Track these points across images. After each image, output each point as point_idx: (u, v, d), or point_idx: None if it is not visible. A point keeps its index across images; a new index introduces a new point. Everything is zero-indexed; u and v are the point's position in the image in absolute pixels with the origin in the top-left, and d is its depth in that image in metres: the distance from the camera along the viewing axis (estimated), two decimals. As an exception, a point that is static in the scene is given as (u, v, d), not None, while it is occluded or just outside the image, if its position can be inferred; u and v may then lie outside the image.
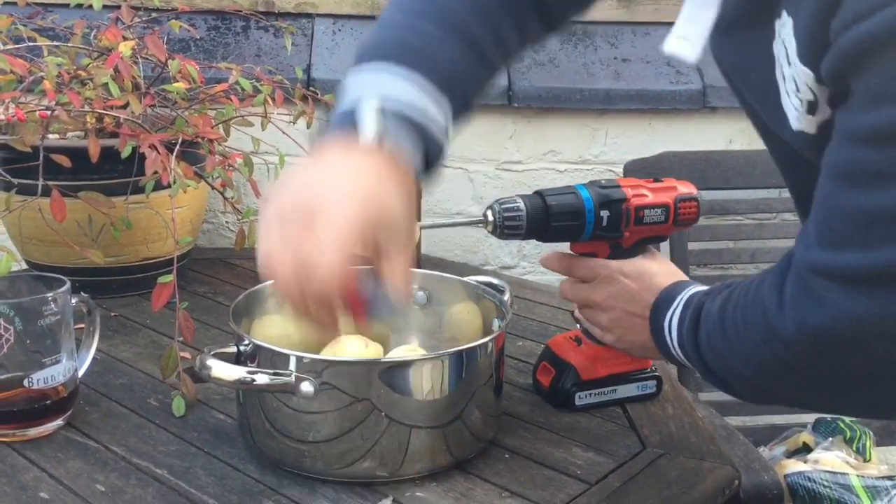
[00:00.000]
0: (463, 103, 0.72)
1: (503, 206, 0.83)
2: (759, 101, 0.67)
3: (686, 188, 0.89)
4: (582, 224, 0.85)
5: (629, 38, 1.66)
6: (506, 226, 0.83)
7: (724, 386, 0.74)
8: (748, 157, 1.56)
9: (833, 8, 0.52)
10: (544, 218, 0.84)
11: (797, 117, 0.60)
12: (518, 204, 0.84)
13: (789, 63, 0.58)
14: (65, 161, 0.97)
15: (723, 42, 0.67)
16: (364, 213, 0.60)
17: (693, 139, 1.63)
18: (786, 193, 1.67)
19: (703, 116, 1.63)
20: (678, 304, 0.79)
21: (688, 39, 0.66)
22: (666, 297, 0.81)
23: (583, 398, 0.91)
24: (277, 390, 0.73)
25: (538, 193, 0.85)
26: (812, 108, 0.58)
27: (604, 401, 0.92)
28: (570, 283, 0.90)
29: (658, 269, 0.86)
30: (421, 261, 1.33)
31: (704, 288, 0.80)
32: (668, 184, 0.89)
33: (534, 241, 1.64)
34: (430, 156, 0.68)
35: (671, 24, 1.64)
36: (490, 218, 0.84)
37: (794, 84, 0.59)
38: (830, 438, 1.30)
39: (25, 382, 0.81)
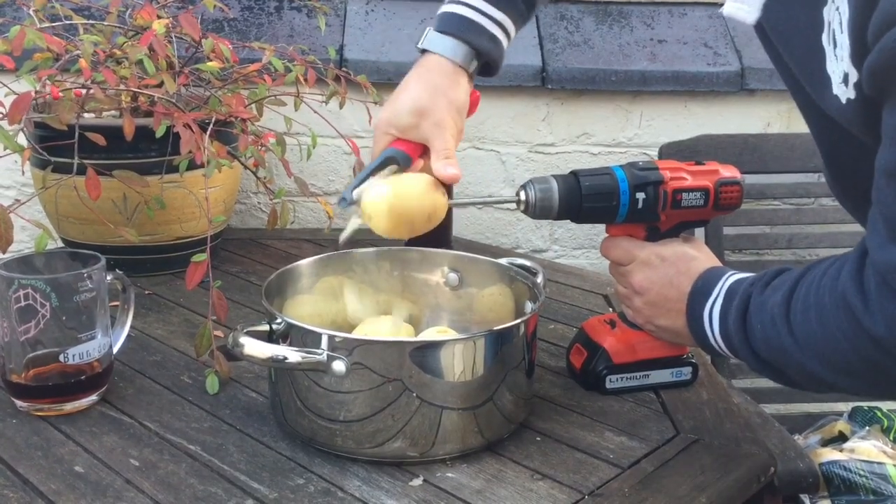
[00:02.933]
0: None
1: (536, 186, 0.83)
2: (799, 65, 0.66)
3: (729, 172, 0.87)
4: (616, 206, 0.84)
5: (666, 19, 1.63)
6: (538, 205, 0.83)
7: (779, 376, 0.73)
8: (786, 140, 1.53)
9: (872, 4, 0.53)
10: (577, 198, 0.83)
11: (838, 83, 0.60)
12: (551, 184, 0.83)
13: (841, 30, 0.58)
14: (100, 140, 0.97)
15: (770, 3, 0.67)
16: (383, 116, 0.84)
17: (730, 122, 1.60)
18: (824, 178, 1.64)
19: (740, 99, 1.60)
20: (719, 294, 0.77)
21: (745, 2, 0.67)
22: (704, 286, 0.80)
23: (614, 382, 0.90)
24: (309, 369, 0.73)
25: (573, 173, 0.84)
26: (846, 79, 0.59)
27: (636, 385, 0.91)
28: (609, 264, 0.89)
29: (695, 253, 0.85)
30: (452, 242, 1.32)
31: (743, 275, 0.78)
32: (709, 167, 0.87)
33: (567, 225, 1.64)
34: (484, 53, 0.85)
35: (708, 4, 1.62)
36: (522, 197, 0.83)
37: (837, 49, 0.59)
38: (867, 427, 1.28)
39: (61, 358, 0.81)
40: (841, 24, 0.58)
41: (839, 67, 0.60)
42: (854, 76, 0.58)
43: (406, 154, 0.84)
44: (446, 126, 0.83)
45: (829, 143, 0.73)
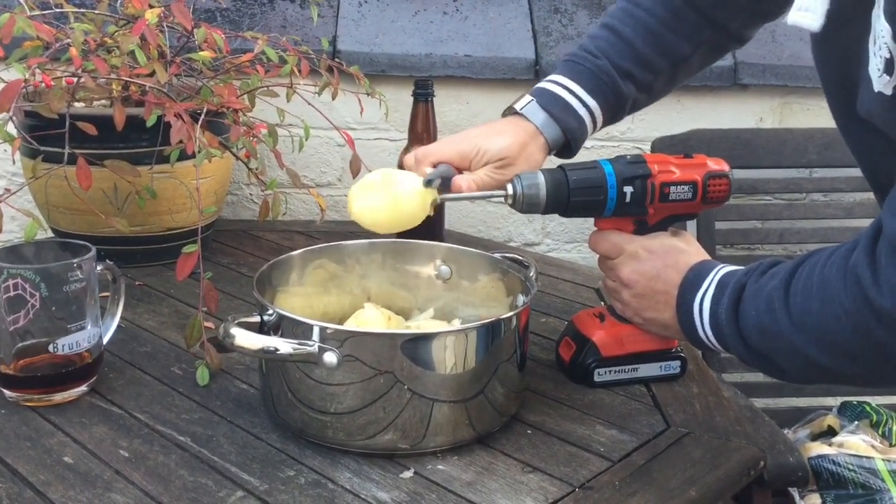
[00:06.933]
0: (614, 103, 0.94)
1: (523, 180, 0.83)
2: (850, 73, 0.66)
3: (717, 165, 0.87)
4: (603, 199, 0.84)
5: (659, 13, 1.62)
6: (525, 199, 0.83)
7: (769, 366, 0.72)
8: (778, 135, 1.54)
9: None
10: (565, 192, 0.83)
11: (878, 77, 0.60)
12: (538, 177, 0.83)
13: (878, 18, 0.58)
14: (91, 129, 0.97)
15: (832, 10, 0.67)
16: (455, 146, 0.89)
17: (723, 117, 1.61)
18: (816, 173, 1.66)
19: (733, 94, 1.60)
20: (709, 286, 0.78)
21: (809, 10, 0.67)
22: (694, 278, 0.80)
23: (602, 375, 0.90)
24: (300, 360, 0.73)
25: (560, 167, 0.85)
26: (889, 67, 0.58)
27: (624, 379, 0.91)
28: (598, 258, 0.89)
29: (684, 246, 0.85)
30: (444, 235, 1.32)
31: (735, 268, 0.78)
32: (697, 160, 0.87)
33: (558, 219, 1.64)
34: (569, 130, 0.91)
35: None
36: (510, 191, 0.84)
37: (878, 42, 0.58)
38: (856, 422, 1.29)
39: (51, 348, 0.81)
40: (879, 15, 0.58)
41: (878, 60, 0.59)
42: None
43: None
44: (504, 173, 0.87)
45: (865, 150, 0.73)
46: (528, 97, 0.92)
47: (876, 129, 0.64)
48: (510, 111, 0.92)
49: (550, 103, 0.90)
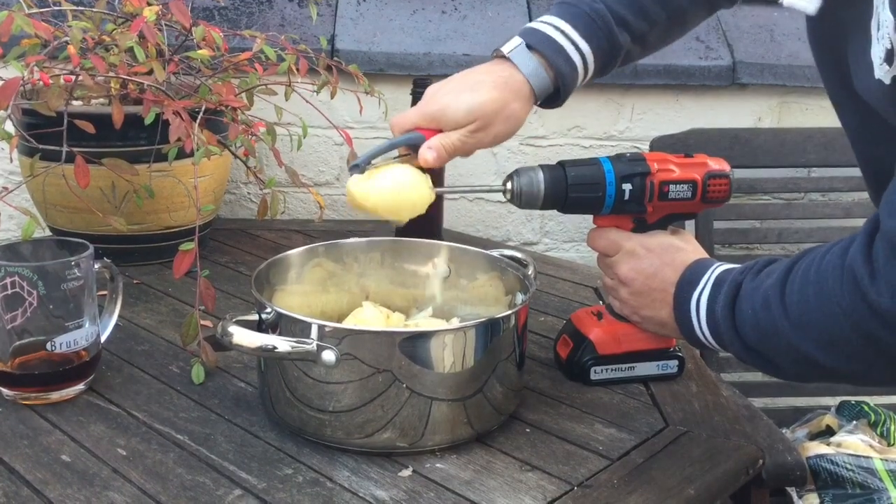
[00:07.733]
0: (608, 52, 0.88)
1: (522, 175, 0.83)
2: (849, 56, 0.66)
3: (717, 164, 0.87)
4: (602, 196, 0.84)
5: (658, 13, 1.62)
6: (524, 195, 0.83)
7: (767, 365, 0.72)
8: (777, 135, 1.54)
9: None
10: (563, 188, 0.83)
11: (879, 65, 0.59)
12: (537, 173, 0.83)
13: (884, 7, 0.57)
14: (88, 127, 0.96)
15: None
16: (422, 107, 0.84)
17: (721, 116, 1.61)
18: (815, 173, 1.66)
19: (731, 93, 1.60)
20: (706, 284, 0.77)
21: None
22: (691, 276, 0.80)
23: (598, 373, 0.90)
24: (298, 359, 0.73)
25: (560, 164, 0.85)
26: (890, 57, 0.58)
27: (621, 377, 0.91)
28: (597, 255, 0.89)
29: (682, 244, 0.85)
30: (442, 233, 1.32)
31: (732, 266, 0.78)
32: (698, 159, 0.87)
33: (557, 218, 1.64)
34: (560, 75, 0.85)
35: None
36: (509, 186, 0.84)
37: (881, 30, 0.58)
38: (854, 422, 1.29)
39: (48, 346, 0.81)
40: (885, 2, 0.57)
41: (880, 47, 0.59)
42: None
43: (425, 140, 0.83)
44: (479, 136, 0.82)
45: (864, 138, 0.73)
46: (517, 39, 0.85)
47: (872, 112, 0.64)
48: (497, 54, 0.86)
49: (542, 43, 0.84)
